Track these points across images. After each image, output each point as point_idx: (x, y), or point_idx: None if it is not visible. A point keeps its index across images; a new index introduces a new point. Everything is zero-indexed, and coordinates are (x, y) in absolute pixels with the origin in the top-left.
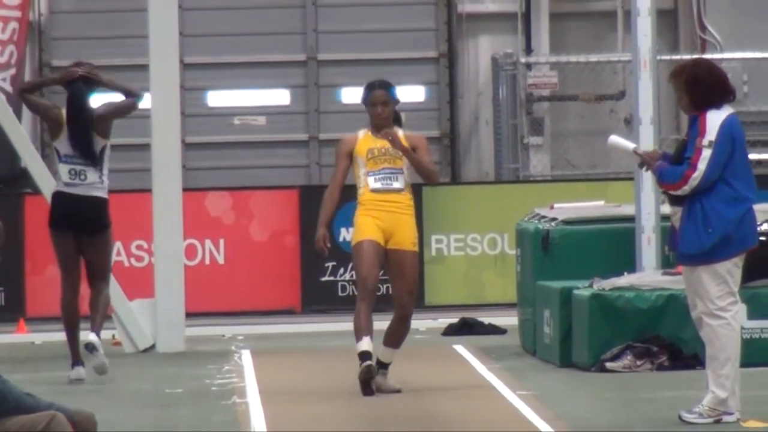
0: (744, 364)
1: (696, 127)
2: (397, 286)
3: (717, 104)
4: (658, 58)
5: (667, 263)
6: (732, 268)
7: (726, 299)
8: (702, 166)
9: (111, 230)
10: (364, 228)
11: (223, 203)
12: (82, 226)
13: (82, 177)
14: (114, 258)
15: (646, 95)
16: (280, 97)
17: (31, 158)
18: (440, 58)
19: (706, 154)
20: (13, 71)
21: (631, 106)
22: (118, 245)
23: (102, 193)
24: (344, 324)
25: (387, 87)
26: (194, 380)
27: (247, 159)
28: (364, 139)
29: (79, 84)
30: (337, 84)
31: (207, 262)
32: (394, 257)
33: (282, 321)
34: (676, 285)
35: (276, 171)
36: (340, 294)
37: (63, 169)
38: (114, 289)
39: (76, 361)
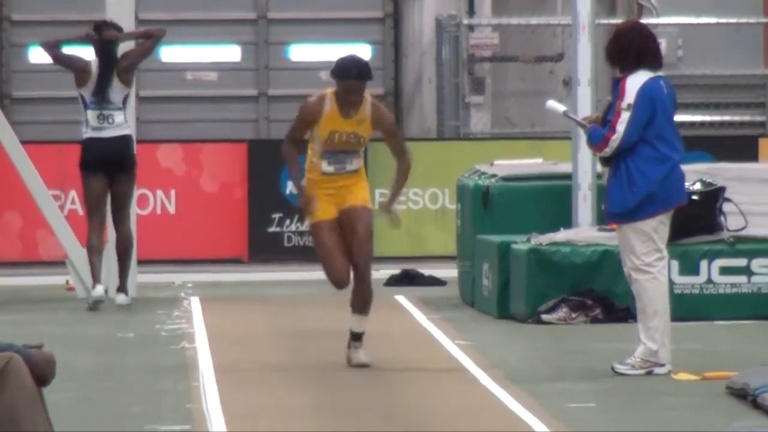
0: (675, 318)
1: (617, 91)
2: (349, 242)
3: (634, 68)
4: (597, 22)
5: (602, 220)
6: (657, 226)
7: (652, 255)
8: (621, 128)
9: (136, 166)
10: (318, 206)
11: (175, 155)
12: (115, 163)
13: (110, 120)
14: (68, 207)
15: (585, 57)
16: (231, 53)
17: None
18: (386, 18)
19: (625, 116)
20: None
21: (570, 68)
22: (72, 194)
23: (129, 131)
24: (290, 273)
25: (363, 76)
26: (145, 325)
27: (198, 113)
28: (330, 116)
29: (108, 44)
30: (286, 41)
31: (158, 211)
32: (346, 215)
33: (230, 269)
34: (611, 241)
35: (226, 125)
36: (286, 244)
37: (91, 114)
38: (69, 236)
39: (98, 280)
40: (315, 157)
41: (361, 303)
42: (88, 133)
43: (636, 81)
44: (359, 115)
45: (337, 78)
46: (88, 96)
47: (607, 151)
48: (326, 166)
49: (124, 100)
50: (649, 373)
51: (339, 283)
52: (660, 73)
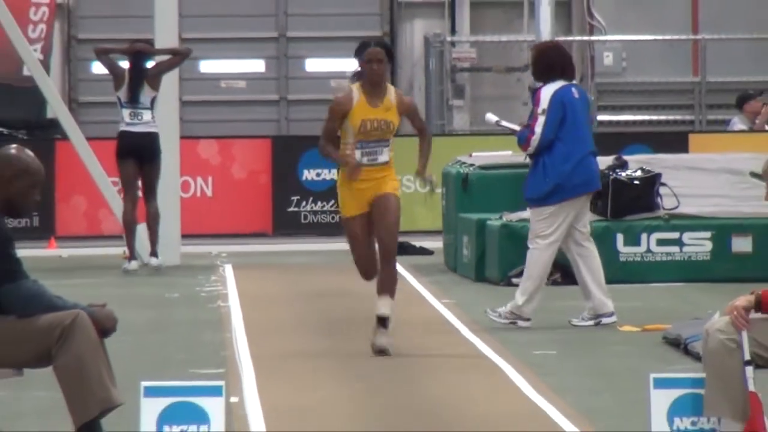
0: (620, 281)
1: (534, 99)
2: (378, 226)
3: (555, 79)
4: (555, 39)
5: None
6: (561, 210)
7: (543, 231)
8: (538, 129)
9: (161, 156)
10: (350, 202)
11: (211, 149)
12: (143, 154)
13: (140, 117)
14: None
15: None
16: (257, 65)
17: (61, 110)
18: (383, 36)
19: (541, 120)
20: (42, 43)
21: None
22: None
23: (155, 129)
24: (306, 245)
25: (383, 44)
26: (187, 287)
27: (230, 114)
28: (360, 107)
29: (140, 55)
30: (302, 56)
31: (198, 194)
32: (377, 202)
33: (257, 242)
34: None
35: (253, 124)
36: (303, 221)
37: (125, 112)
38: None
39: (133, 256)
40: (348, 150)
41: (386, 284)
42: (122, 127)
43: (549, 89)
44: (385, 103)
45: (360, 53)
46: (123, 97)
47: (530, 149)
48: (360, 157)
49: (152, 102)
50: (513, 323)
51: (366, 274)
52: (574, 82)
